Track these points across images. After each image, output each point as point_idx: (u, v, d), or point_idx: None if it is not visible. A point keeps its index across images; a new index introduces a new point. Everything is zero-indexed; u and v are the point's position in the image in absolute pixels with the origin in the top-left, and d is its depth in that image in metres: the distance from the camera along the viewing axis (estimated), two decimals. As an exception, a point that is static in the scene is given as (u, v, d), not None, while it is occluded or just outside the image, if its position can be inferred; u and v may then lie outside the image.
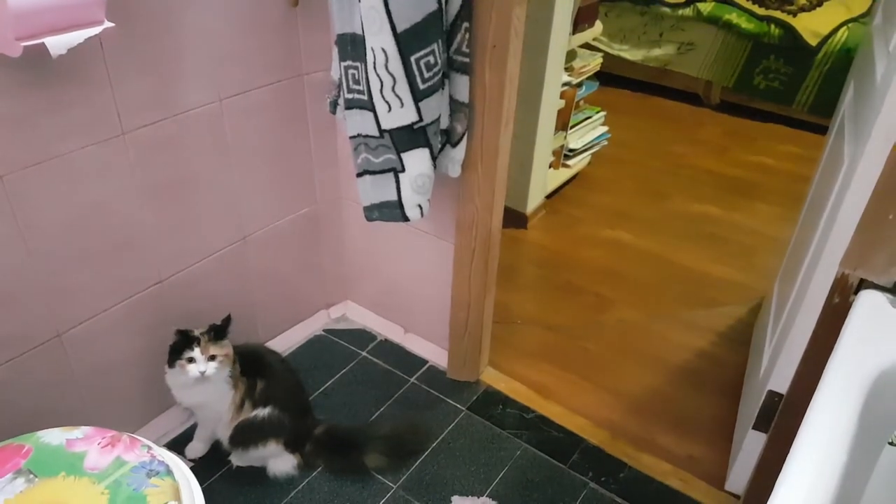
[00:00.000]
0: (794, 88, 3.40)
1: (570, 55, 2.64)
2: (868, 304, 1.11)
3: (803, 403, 0.92)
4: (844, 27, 3.28)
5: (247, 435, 1.55)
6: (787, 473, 0.82)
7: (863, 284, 1.15)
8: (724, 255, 2.56)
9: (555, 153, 2.78)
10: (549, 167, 2.75)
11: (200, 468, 1.62)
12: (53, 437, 1.09)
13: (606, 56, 3.58)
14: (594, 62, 2.79)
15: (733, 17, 3.50)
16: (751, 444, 1.53)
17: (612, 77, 3.74)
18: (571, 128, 2.81)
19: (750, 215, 2.82)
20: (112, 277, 1.46)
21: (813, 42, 3.27)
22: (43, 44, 1.07)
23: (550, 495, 1.61)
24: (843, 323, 1.09)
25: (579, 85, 2.74)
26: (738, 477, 1.62)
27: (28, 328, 1.36)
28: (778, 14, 3.43)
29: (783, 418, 1.37)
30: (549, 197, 2.81)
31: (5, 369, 1.34)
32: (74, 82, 1.24)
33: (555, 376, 1.97)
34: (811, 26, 3.32)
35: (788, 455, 0.87)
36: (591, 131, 2.97)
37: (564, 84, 2.60)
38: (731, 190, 3.01)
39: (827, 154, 1.70)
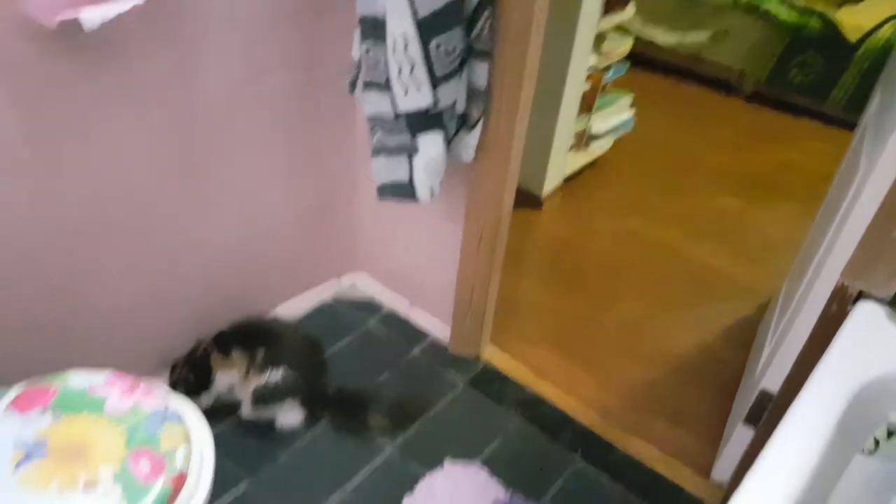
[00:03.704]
0: (830, 84, 3.34)
1: (600, 38, 2.64)
2: (864, 315, 1.13)
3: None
4: (889, 24, 3.20)
5: (265, 397, 1.65)
6: (758, 469, 0.88)
7: (861, 296, 1.18)
8: (738, 252, 2.56)
9: (576, 136, 2.78)
10: (570, 150, 2.78)
11: (212, 414, 1.71)
12: (78, 379, 1.18)
13: (639, 39, 3.55)
14: (624, 46, 2.77)
15: (772, 6, 3.43)
16: (739, 437, 1.59)
17: (643, 60, 3.68)
18: (596, 111, 2.81)
19: (769, 213, 2.80)
20: (132, 246, 1.55)
21: (853, 38, 3.20)
22: (77, 18, 1.14)
23: (539, 467, 1.69)
24: (838, 331, 1.13)
25: (607, 68, 2.73)
26: (725, 467, 1.68)
27: (44, 307, 1.46)
28: (820, 6, 3.37)
29: (772, 416, 1.41)
30: (567, 180, 2.83)
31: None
32: (102, 58, 1.30)
33: (554, 360, 2.03)
34: (853, 21, 3.25)
35: (761, 452, 0.92)
36: (615, 116, 2.95)
37: (591, 67, 2.60)
38: (753, 185, 2.99)
39: (846, 161, 1.71)
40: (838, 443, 0.91)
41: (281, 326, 1.75)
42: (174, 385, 1.67)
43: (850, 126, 3.22)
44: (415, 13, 1.29)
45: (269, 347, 1.65)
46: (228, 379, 1.67)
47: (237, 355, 1.65)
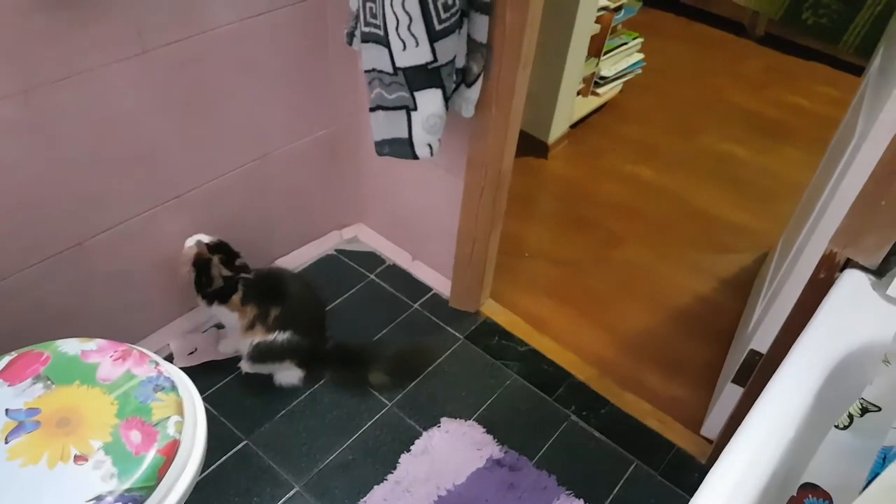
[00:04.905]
0: (842, 27, 3.23)
1: (612, -24, 2.55)
2: (851, 283, 1.14)
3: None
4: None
5: (264, 354, 1.65)
6: (740, 439, 0.89)
7: (849, 264, 1.17)
8: (744, 199, 2.54)
9: (585, 80, 2.71)
10: (578, 94, 2.70)
11: (211, 371, 1.74)
12: (70, 346, 1.18)
13: (650, -24, 3.43)
14: (636, -14, 2.68)
15: (789, -57, 3.29)
16: (729, 396, 1.60)
17: (654, -2, 3.60)
18: (605, 54, 2.72)
19: (776, 159, 2.77)
20: (133, 189, 1.52)
21: (870, -22, 3.08)
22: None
23: (533, 424, 1.71)
24: (824, 298, 1.13)
25: (618, 9, 2.64)
26: (714, 423, 1.69)
27: (52, 235, 1.43)
28: (836, -56, 3.22)
29: (759, 377, 1.43)
30: (574, 126, 2.77)
31: (29, 273, 1.43)
32: (95, 3, 1.25)
33: (554, 310, 2.03)
34: (871, -39, 3.12)
35: (744, 420, 0.93)
36: (625, 58, 2.87)
37: (601, 8, 2.51)
38: (761, 130, 2.94)
39: (847, 118, 1.66)
40: (818, 412, 0.93)
41: (296, 286, 1.70)
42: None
43: (861, 71, 3.15)
44: (412, -35, 1.23)
45: (283, 309, 1.62)
46: (230, 318, 1.65)
47: (250, 308, 1.62)
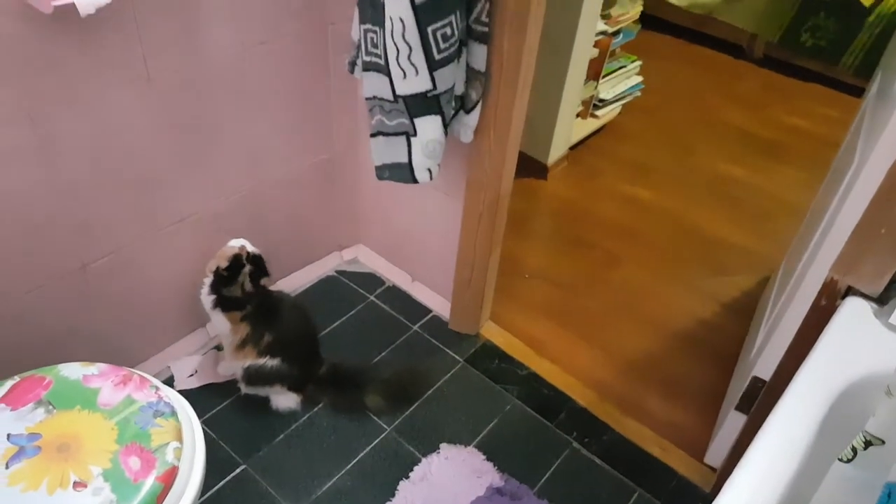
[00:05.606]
0: (841, 49, 3.26)
1: (609, 2, 2.57)
2: (852, 311, 1.14)
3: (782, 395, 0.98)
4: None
5: (254, 377, 1.65)
6: (743, 469, 0.88)
7: (850, 291, 1.17)
8: (743, 220, 2.55)
9: (583, 103, 2.74)
10: (577, 117, 2.73)
11: (211, 393, 1.74)
12: (72, 371, 1.18)
13: (650, -1, 3.46)
14: (634, 10, 2.70)
15: (786, -33, 3.33)
16: (732, 423, 1.59)
17: (654, 20, 3.60)
18: (604, 77, 2.75)
19: (775, 180, 2.77)
20: (136, 213, 1.54)
21: (866, 3, 3.11)
22: (73, 3, 1.11)
23: (533, 451, 1.70)
24: (826, 325, 1.13)
25: (616, 33, 2.67)
26: (718, 451, 1.68)
27: (56, 258, 1.45)
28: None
29: (762, 405, 1.42)
30: (573, 147, 2.79)
31: (33, 296, 1.44)
32: (103, 31, 1.28)
33: (553, 333, 2.03)
34: (867, -16, 3.16)
35: (747, 451, 0.93)
36: (624, 81, 2.90)
37: (600, 33, 2.53)
38: (760, 151, 2.95)
39: (847, 142, 1.67)
40: (821, 443, 0.93)
41: (291, 313, 1.70)
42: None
43: (860, 92, 3.17)
44: (412, -2, 1.25)
45: (276, 336, 1.62)
46: (223, 326, 1.64)
47: (244, 326, 1.63)
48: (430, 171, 1.52)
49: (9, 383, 1.14)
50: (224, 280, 1.59)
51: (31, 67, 1.22)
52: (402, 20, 1.28)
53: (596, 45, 2.54)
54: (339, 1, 1.61)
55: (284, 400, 1.71)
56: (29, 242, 1.38)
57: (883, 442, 0.89)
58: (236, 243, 1.61)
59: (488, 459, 1.65)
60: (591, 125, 2.85)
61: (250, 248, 1.62)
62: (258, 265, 1.61)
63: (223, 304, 1.61)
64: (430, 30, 1.29)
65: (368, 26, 1.38)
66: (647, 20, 3.04)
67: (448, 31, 1.30)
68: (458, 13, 1.30)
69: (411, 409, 1.76)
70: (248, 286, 1.60)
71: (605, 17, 2.56)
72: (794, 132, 3.11)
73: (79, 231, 1.45)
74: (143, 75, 1.38)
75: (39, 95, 1.26)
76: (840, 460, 0.93)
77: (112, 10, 1.25)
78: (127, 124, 1.41)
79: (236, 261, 1.59)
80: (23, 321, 1.45)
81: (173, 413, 1.16)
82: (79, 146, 1.36)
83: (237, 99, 1.59)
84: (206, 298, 1.62)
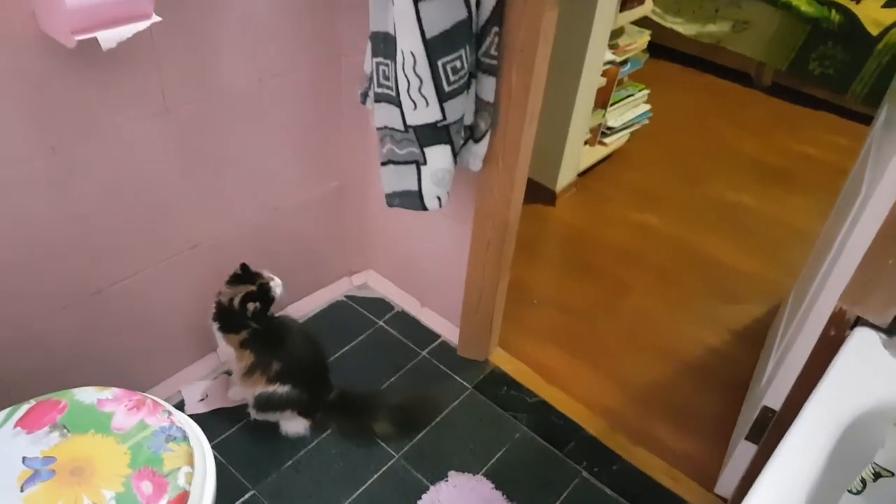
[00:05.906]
0: (849, 77, 3.28)
1: (617, 32, 2.61)
2: (861, 341, 1.14)
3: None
4: (912, 17, 3.14)
5: (264, 404, 1.67)
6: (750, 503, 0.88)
7: (859, 322, 1.18)
8: (752, 248, 2.55)
9: (592, 131, 2.77)
10: (585, 144, 2.75)
11: (221, 418, 1.76)
12: (86, 395, 1.20)
13: (659, 28, 3.49)
14: (641, 40, 2.73)
15: (794, -2, 3.37)
16: (743, 453, 1.58)
17: (662, 49, 3.66)
18: (612, 105, 2.78)
19: (785, 208, 2.78)
20: (151, 240, 1.57)
21: (874, 31, 3.14)
22: (95, 38, 1.14)
23: (543, 481, 1.69)
24: (835, 356, 1.13)
25: (624, 62, 2.71)
26: (728, 482, 1.67)
27: (73, 283, 1.48)
28: (841, -1, 3.30)
29: (773, 436, 1.42)
30: (581, 174, 2.81)
31: (49, 321, 1.47)
32: (123, 65, 1.32)
33: (562, 360, 2.03)
34: (874, 15, 3.18)
35: (755, 483, 0.93)
36: (632, 109, 2.93)
37: (608, 62, 2.57)
38: (769, 178, 2.96)
39: (854, 172, 1.68)
40: (830, 474, 0.92)
41: (300, 340, 1.71)
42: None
43: (869, 120, 3.18)
44: (423, 33, 1.29)
45: (284, 363, 1.63)
46: (227, 350, 1.67)
47: (248, 354, 1.64)
48: (439, 198, 1.55)
49: (25, 407, 1.16)
50: (237, 303, 1.61)
51: (55, 99, 1.27)
52: (413, 54, 1.31)
53: (604, 74, 2.57)
54: (351, 35, 1.66)
55: (294, 425, 1.72)
56: (47, 267, 1.41)
57: (892, 474, 0.89)
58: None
59: (497, 488, 1.65)
60: (599, 152, 2.87)
61: (278, 287, 1.64)
62: (265, 300, 1.63)
63: (227, 325, 1.64)
64: (440, 63, 1.32)
65: (380, 59, 1.41)
66: (655, 49, 3.08)
67: (458, 63, 1.34)
68: (467, 47, 1.34)
69: (419, 435, 1.77)
70: (256, 323, 1.62)
71: (613, 46, 2.60)
72: (803, 160, 3.12)
73: (95, 257, 1.48)
74: (161, 107, 1.42)
75: (61, 126, 1.30)
76: (850, 492, 0.93)
77: (132, 44, 1.28)
78: (144, 154, 1.45)
79: (260, 289, 1.61)
80: (39, 345, 1.48)
81: (185, 438, 1.17)
82: (97, 175, 1.40)
83: (252, 129, 1.63)
84: (212, 323, 1.66)
